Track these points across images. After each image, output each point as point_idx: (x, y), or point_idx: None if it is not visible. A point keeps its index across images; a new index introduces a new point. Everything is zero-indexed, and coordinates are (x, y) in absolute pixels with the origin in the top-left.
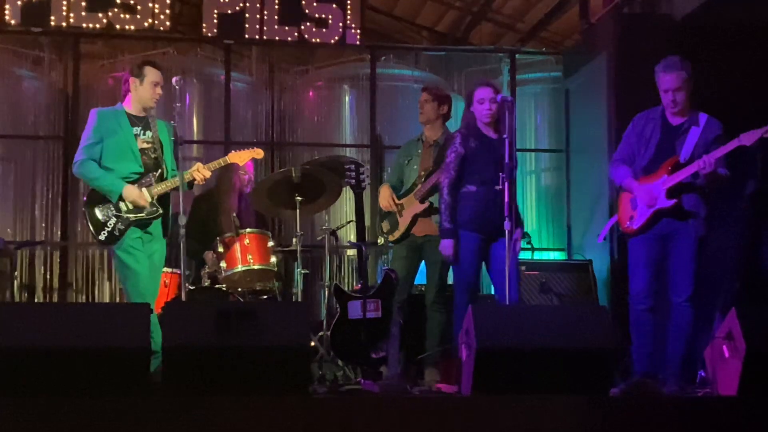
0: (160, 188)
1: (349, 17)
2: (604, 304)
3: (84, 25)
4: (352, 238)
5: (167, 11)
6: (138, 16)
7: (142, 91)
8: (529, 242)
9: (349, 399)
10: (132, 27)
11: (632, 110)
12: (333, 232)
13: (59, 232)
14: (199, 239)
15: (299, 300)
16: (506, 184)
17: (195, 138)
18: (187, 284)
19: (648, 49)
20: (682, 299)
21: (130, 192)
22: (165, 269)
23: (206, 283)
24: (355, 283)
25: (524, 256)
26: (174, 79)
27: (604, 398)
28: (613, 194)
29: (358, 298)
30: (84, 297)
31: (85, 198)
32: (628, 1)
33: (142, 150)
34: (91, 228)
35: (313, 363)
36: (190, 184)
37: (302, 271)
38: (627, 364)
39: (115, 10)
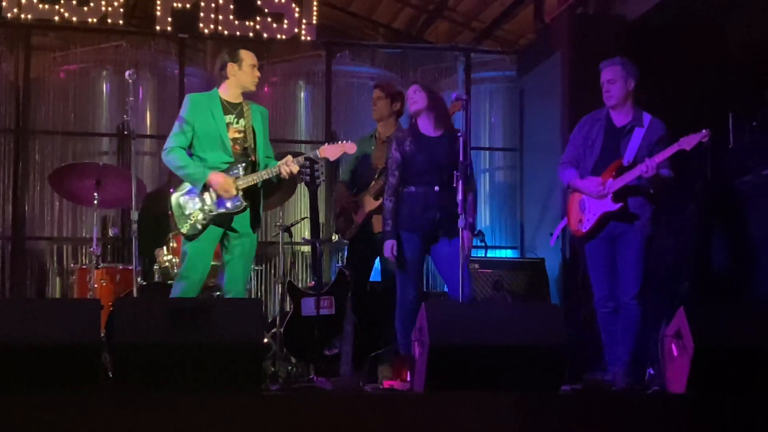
0: (245, 180)
1: (304, 13)
2: (555, 302)
3: (36, 16)
4: (307, 234)
5: (121, 3)
6: (91, 7)
7: (242, 76)
8: (482, 240)
9: (302, 396)
10: (86, 19)
11: (585, 110)
12: (287, 229)
13: (10, 226)
14: (152, 236)
15: (252, 297)
16: (460, 182)
17: (148, 132)
18: (139, 279)
19: (601, 50)
20: (629, 297)
21: (216, 178)
22: (117, 265)
23: (158, 279)
24: (309, 280)
25: (477, 254)
26: (127, 73)
27: (555, 395)
28: (566, 194)
29: (312, 295)
30: (34, 292)
31: (171, 189)
32: (582, 2)
33: (233, 139)
34: (175, 218)
35: (266, 360)
36: (277, 178)
37: (255, 268)
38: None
39: (68, 1)
